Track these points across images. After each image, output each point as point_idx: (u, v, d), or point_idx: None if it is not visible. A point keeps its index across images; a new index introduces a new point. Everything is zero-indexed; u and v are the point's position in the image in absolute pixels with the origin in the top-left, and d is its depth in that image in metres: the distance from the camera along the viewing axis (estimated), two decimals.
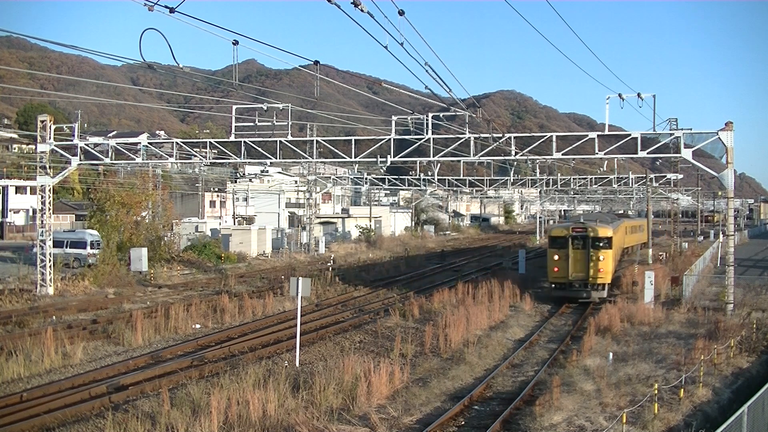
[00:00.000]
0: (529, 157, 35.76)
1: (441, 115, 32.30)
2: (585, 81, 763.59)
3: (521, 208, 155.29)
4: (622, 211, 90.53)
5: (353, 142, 33.85)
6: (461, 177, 64.45)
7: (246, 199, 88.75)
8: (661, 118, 50.20)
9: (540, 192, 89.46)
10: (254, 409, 15.12)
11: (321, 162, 51.38)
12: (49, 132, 35.85)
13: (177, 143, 38.20)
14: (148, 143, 39.74)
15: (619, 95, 29.18)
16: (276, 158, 34.70)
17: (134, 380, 18.91)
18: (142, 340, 24.06)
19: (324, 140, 35.55)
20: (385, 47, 15.13)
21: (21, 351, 20.70)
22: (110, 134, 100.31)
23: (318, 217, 76.26)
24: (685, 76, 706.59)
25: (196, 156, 42.67)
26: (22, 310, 29.77)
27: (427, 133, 32.02)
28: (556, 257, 33.44)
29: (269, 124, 32.92)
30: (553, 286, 34.03)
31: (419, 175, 64.54)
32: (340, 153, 34.25)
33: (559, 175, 67.23)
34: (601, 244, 33.07)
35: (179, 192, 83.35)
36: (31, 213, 79.20)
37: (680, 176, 60.02)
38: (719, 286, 33.80)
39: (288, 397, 16.36)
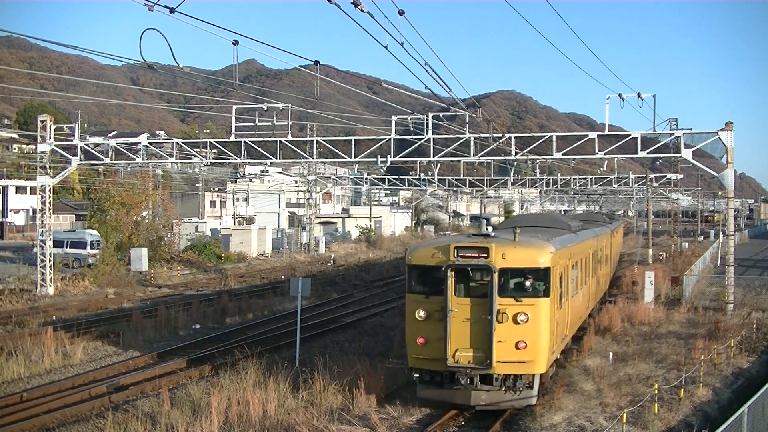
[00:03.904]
0: (529, 157, 35.79)
1: (441, 115, 32.32)
2: (585, 81, 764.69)
3: (521, 208, 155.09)
4: (621, 212, 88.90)
5: (353, 142, 33.89)
6: (461, 177, 64.47)
7: (246, 199, 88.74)
8: (661, 118, 50.12)
9: (540, 192, 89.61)
10: (254, 409, 15.13)
11: (321, 162, 51.41)
12: (49, 132, 35.87)
13: (177, 143, 38.26)
14: (148, 143, 39.75)
15: (619, 95, 29.19)
16: (276, 158, 34.74)
17: (134, 380, 18.93)
18: (142, 340, 24.08)
19: (324, 140, 35.57)
20: (385, 47, 15.12)
21: (21, 351, 20.70)
22: (110, 134, 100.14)
23: (318, 217, 76.26)
24: (685, 76, 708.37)
25: (196, 156, 42.67)
26: (22, 310, 29.79)
27: (427, 133, 32.03)
28: (421, 314, 15.60)
29: (269, 124, 32.96)
30: (417, 376, 15.94)
31: (419, 175, 64.52)
32: (340, 153, 34.27)
33: (559, 175, 67.33)
34: (527, 284, 15.49)
35: (179, 192, 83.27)
36: (31, 213, 79.21)
37: (680, 176, 60.03)
38: (719, 286, 33.79)
39: (288, 397, 16.37)
